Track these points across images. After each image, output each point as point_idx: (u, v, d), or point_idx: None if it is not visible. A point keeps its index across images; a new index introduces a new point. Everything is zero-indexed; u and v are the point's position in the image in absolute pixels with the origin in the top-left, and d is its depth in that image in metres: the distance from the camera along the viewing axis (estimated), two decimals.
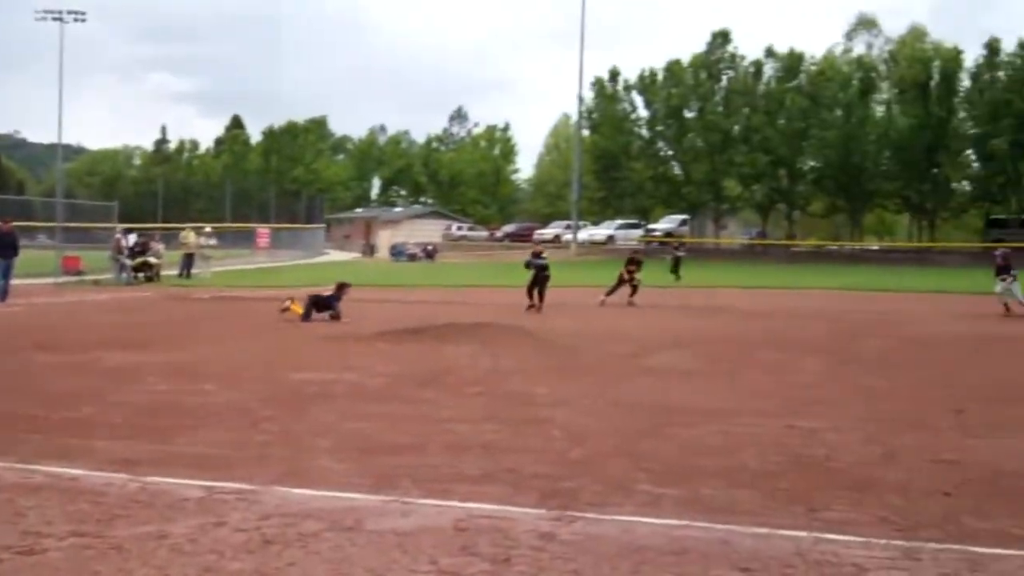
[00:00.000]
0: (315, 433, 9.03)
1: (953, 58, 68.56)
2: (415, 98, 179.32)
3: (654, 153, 77.65)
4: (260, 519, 6.23)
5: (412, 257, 69.21)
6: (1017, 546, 5.88)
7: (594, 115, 78.49)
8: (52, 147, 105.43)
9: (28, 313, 23.53)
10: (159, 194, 54.42)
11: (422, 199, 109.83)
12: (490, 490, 7.06)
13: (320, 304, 20.83)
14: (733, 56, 75.13)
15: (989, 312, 23.61)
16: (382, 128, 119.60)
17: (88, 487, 7.03)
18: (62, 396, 11.00)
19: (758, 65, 74.48)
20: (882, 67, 75.78)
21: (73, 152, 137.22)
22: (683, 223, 76.48)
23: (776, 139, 70.69)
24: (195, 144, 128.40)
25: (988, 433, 9.37)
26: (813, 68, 73.92)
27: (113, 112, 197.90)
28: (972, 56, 68.86)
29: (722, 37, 75.35)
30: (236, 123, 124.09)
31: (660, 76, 76.34)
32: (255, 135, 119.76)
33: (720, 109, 74.18)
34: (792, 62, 73.51)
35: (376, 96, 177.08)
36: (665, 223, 76.59)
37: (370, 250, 79.08)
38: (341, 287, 21.32)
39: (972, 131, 68.30)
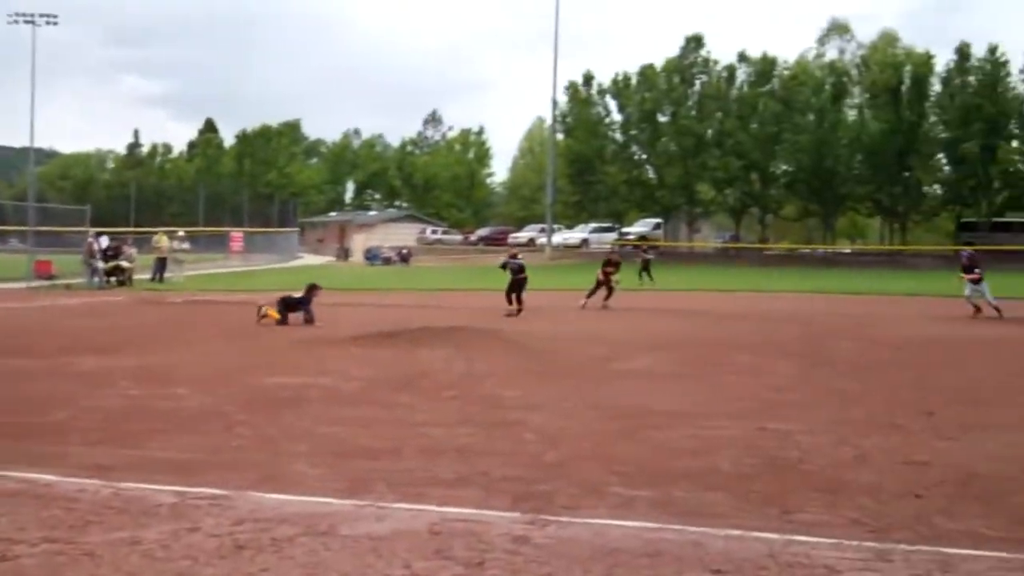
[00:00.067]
0: (289, 438, 9.01)
1: (924, 63, 69.08)
2: (389, 101, 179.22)
3: (628, 157, 77.83)
4: (233, 524, 6.21)
5: (387, 261, 69.04)
6: (988, 547, 5.93)
7: (568, 119, 78.62)
8: (24, 151, 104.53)
9: None
10: (132, 198, 54.15)
11: (396, 203, 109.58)
12: (464, 494, 7.06)
13: (291, 305, 20.81)
14: (706, 61, 75.42)
15: (960, 314, 23.79)
16: (356, 131, 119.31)
17: (61, 493, 6.99)
18: (34, 401, 10.93)
19: (731, 70, 74.78)
20: (854, 72, 76.21)
21: (45, 156, 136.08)
22: (657, 227, 76.83)
23: (749, 143, 71.00)
24: (168, 148, 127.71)
25: (959, 435, 9.44)
26: (786, 73, 74.29)
27: (85, 116, 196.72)
28: (943, 61, 69.55)
29: (695, 42, 75.63)
30: (209, 127, 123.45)
31: (634, 80, 76.55)
32: (228, 139, 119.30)
33: (693, 113, 74.42)
34: (765, 67, 73.85)
35: (350, 100, 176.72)
36: (639, 227, 76.94)
37: (344, 254, 78.82)
38: (311, 289, 21.28)
39: (943, 135, 68.86)
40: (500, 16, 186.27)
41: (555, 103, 75.95)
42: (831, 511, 6.68)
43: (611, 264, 28.08)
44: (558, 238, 74.12)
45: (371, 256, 70.94)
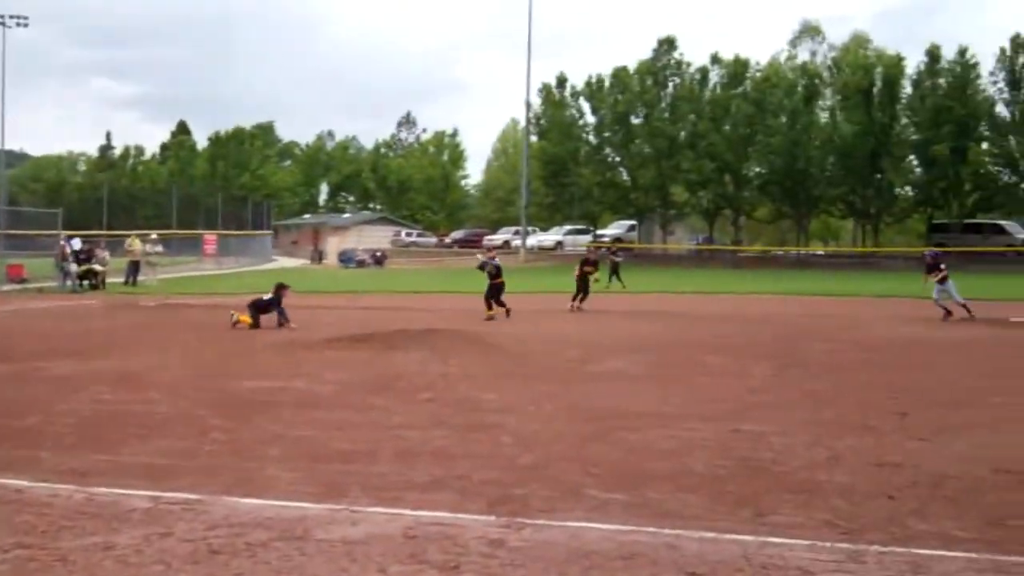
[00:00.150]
0: (263, 442, 8.99)
1: (895, 65, 69.43)
2: (363, 104, 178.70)
3: (602, 159, 77.87)
4: (207, 529, 6.20)
5: (361, 263, 68.89)
6: (959, 548, 5.99)
7: (542, 121, 78.61)
8: None
9: None
10: (104, 200, 53.75)
11: (370, 205, 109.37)
12: (440, 497, 7.07)
13: (262, 308, 20.71)
14: (679, 63, 75.51)
15: (932, 315, 23.93)
16: (330, 134, 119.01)
17: (33, 498, 6.96)
18: (6, 406, 10.86)
19: (704, 72, 74.92)
20: (826, 74, 76.52)
21: (16, 158, 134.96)
22: (631, 228, 77.00)
23: (722, 145, 71.19)
24: (140, 150, 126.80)
25: (931, 436, 9.51)
26: (758, 75, 74.46)
27: (57, 118, 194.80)
28: (914, 63, 69.93)
29: (668, 44, 75.71)
30: (182, 129, 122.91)
31: (607, 83, 76.57)
32: (201, 141, 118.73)
33: (666, 115, 74.50)
34: (737, 69, 74.04)
35: (324, 102, 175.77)
36: (614, 228, 77.13)
37: (318, 256, 78.60)
38: (279, 288, 21.09)
39: (914, 137, 69.20)
40: (474, 18, 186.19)
41: (529, 105, 76.08)
42: (805, 512, 6.73)
43: (589, 263, 28.18)
44: (533, 240, 74.25)
45: (345, 259, 70.78)
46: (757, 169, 74.57)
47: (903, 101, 69.68)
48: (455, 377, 13.33)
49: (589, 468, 7.95)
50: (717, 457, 8.42)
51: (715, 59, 74.84)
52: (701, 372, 14.40)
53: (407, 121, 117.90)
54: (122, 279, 39.37)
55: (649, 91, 74.94)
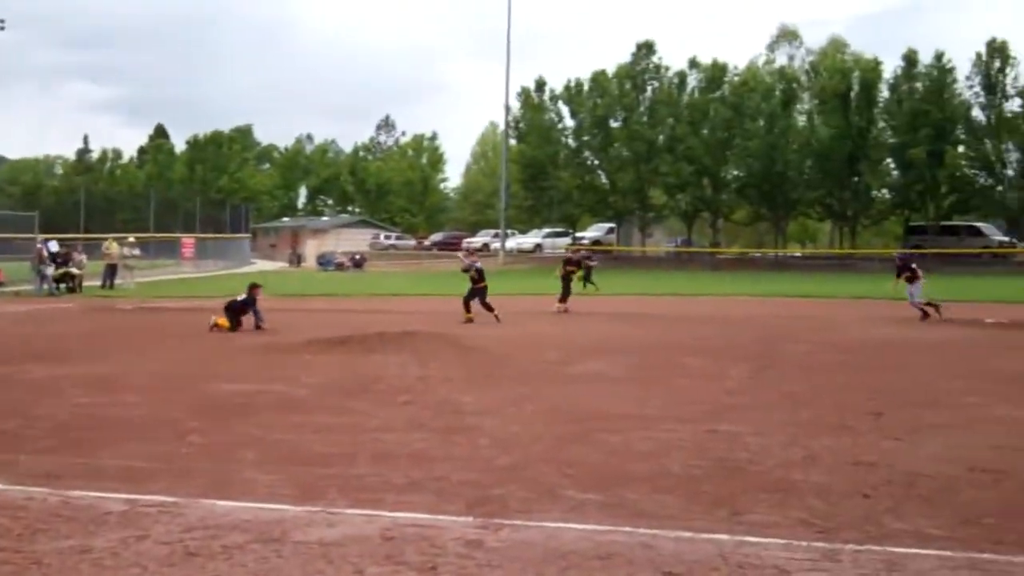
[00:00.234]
0: (241, 445, 8.97)
1: (872, 69, 69.73)
2: (342, 107, 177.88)
3: (580, 162, 77.93)
4: (184, 532, 6.18)
5: (340, 266, 68.75)
6: (934, 546, 6.04)
7: (521, 124, 78.63)
8: None
9: None
10: (81, 204, 53.49)
11: (349, 208, 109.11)
12: (417, 499, 7.07)
13: (238, 309, 20.64)
14: (657, 67, 75.62)
15: (909, 317, 24.06)
16: (308, 137, 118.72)
17: (9, 501, 6.92)
18: None
19: (682, 76, 75.06)
20: (803, 78, 76.84)
21: None
22: (610, 231, 77.10)
23: (700, 149, 71.33)
24: (118, 153, 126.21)
25: (906, 436, 9.57)
26: (736, 79, 74.65)
27: (34, 121, 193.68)
28: (890, 67, 70.25)
29: (646, 48, 75.83)
30: (160, 132, 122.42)
31: (586, 86, 76.67)
32: (179, 144, 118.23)
33: (645, 119, 74.61)
34: (716, 73, 74.21)
35: (302, 105, 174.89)
36: (593, 231, 77.24)
37: (297, 259, 78.39)
38: (252, 288, 21.03)
39: (891, 140, 69.48)
40: (453, 22, 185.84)
41: (508, 108, 76.19)
42: (780, 512, 6.76)
43: (571, 263, 28.40)
44: (512, 243, 74.33)
45: (324, 262, 70.63)
46: (735, 172, 74.75)
47: (880, 105, 69.97)
48: (434, 380, 13.32)
49: (567, 469, 7.96)
50: (694, 458, 8.46)
51: (693, 63, 74.98)
52: (680, 374, 14.45)
53: (386, 124, 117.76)
54: (99, 282, 39.16)
55: (628, 95, 75.04)
